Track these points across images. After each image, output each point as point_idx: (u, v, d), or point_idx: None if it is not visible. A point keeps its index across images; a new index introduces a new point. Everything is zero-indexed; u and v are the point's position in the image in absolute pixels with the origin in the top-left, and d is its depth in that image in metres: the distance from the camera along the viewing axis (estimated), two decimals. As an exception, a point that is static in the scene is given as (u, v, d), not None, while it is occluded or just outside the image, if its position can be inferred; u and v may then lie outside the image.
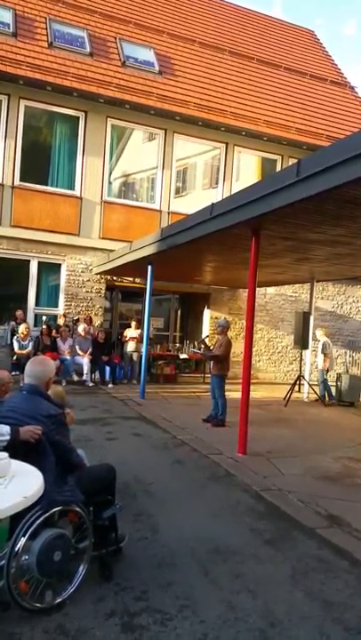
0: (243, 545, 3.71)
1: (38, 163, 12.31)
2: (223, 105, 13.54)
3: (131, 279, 13.09)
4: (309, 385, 11.00)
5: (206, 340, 9.76)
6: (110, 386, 11.01)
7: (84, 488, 3.04)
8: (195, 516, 4.20)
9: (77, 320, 11.98)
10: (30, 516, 2.66)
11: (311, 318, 11.11)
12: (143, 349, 10.59)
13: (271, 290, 14.18)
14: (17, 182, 11.71)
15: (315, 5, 60.57)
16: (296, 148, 13.91)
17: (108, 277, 12.69)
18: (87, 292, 12.48)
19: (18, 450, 2.80)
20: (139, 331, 11.69)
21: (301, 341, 10.95)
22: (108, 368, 11.35)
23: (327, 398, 10.92)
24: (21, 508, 2.43)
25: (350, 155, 3.86)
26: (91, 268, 12.39)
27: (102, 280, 12.64)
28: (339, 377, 11.30)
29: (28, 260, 12.04)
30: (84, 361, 10.99)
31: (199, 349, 9.72)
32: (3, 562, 2.58)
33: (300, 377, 11.17)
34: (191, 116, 12.91)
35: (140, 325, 11.79)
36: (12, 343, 10.74)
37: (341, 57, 57.83)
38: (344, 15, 65.53)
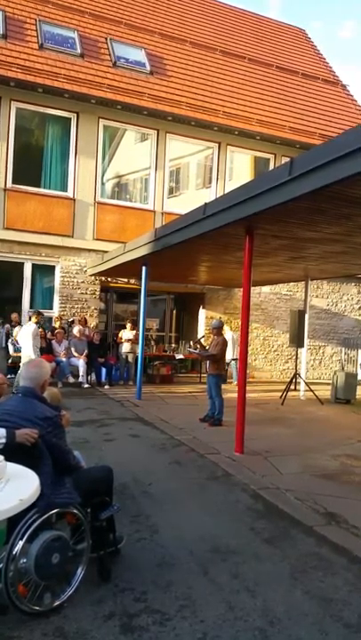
0: (242, 544, 3.70)
1: (31, 165, 12.28)
2: (215, 104, 13.56)
3: (125, 280, 13.07)
4: (306, 383, 11.01)
5: (202, 341, 9.77)
6: (107, 387, 11.00)
7: (81, 490, 3.03)
8: (193, 516, 4.20)
9: (72, 322, 11.97)
10: (28, 519, 2.65)
11: (306, 316, 11.13)
12: (139, 350, 10.57)
13: (266, 289, 14.20)
14: (9, 185, 11.67)
15: (312, 8, 60.94)
16: (289, 147, 13.93)
17: (103, 279, 12.67)
18: (82, 293, 12.46)
19: (14, 453, 2.79)
20: (134, 332, 11.68)
21: (297, 340, 10.97)
22: (104, 369, 11.34)
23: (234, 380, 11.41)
24: (18, 510, 2.42)
25: (343, 152, 3.87)
26: (85, 269, 12.37)
27: (97, 281, 12.62)
28: (335, 375, 11.32)
29: (22, 263, 12.01)
30: (80, 363, 10.96)
31: (195, 349, 9.72)
32: (1, 565, 2.56)
33: (296, 375, 11.18)
34: (183, 116, 12.91)
35: (134, 326, 11.78)
36: (7, 346, 10.71)
37: (339, 59, 58.29)
38: (341, 18, 65.96)
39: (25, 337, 9.55)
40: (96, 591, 2.96)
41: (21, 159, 12.02)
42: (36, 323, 9.67)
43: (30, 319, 9.96)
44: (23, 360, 8.68)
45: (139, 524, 3.93)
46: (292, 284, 14.15)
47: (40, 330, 11.05)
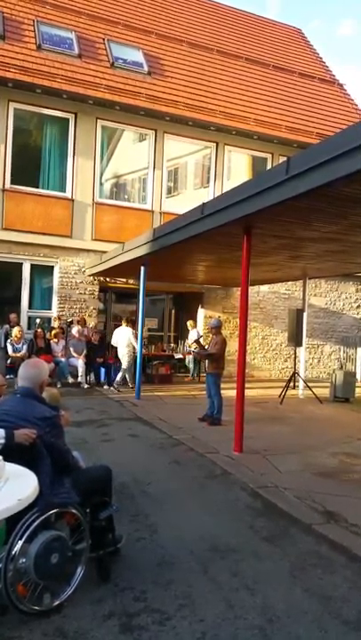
0: (241, 543, 3.71)
1: (29, 165, 12.27)
2: (213, 104, 13.56)
3: (124, 280, 13.08)
4: (304, 382, 11.02)
5: (201, 340, 9.77)
6: (106, 387, 11.00)
7: (80, 489, 3.03)
8: (193, 515, 4.20)
9: (71, 322, 11.97)
10: (27, 519, 2.65)
11: (305, 315, 11.14)
12: (138, 350, 10.57)
13: (265, 288, 14.20)
14: (8, 185, 11.67)
15: (311, 7, 61.01)
16: (286, 147, 13.93)
17: (102, 279, 12.68)
18: (80, 293, 12.46)
19: (13, 453, 2.79)
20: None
21: (295, 339, 10.98)
22: (103, 369, 11.34)
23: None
24: (16, 510, 2.42)
25: (340, 151, 3.88)
26: (84, 269, 12.37)
27: (95, 282, 12.62)
28: (334, 373, 11.32)
29: (21, 263, 12.01)
30: (79, 363, 10.96)
31: (194, 349, 9.73)
32: (0, 565, 2.57)
33: (294, 374, 11.19)
34: (181, 116, 12.92)
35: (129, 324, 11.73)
36: (5, 347, 10.70)
37: (339, 58, 58.36)
38: (341, 16, 66.08)
39: (122, 339, 11.03)
40: (96, 591, 2.97)
41: (20, 160, 12.01)
42: (127, 325, 11.14)
43: (122, 323, 11.44)
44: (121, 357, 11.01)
45: (138, 524, 3.94)
46: (290, 282, 14.15)
47: (39, 330, 11.10)
